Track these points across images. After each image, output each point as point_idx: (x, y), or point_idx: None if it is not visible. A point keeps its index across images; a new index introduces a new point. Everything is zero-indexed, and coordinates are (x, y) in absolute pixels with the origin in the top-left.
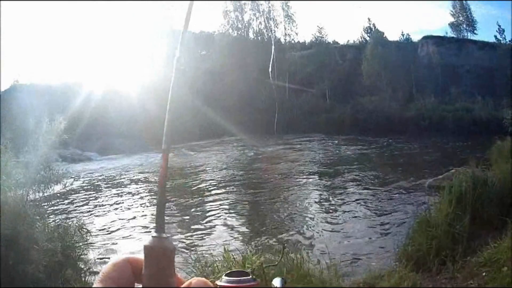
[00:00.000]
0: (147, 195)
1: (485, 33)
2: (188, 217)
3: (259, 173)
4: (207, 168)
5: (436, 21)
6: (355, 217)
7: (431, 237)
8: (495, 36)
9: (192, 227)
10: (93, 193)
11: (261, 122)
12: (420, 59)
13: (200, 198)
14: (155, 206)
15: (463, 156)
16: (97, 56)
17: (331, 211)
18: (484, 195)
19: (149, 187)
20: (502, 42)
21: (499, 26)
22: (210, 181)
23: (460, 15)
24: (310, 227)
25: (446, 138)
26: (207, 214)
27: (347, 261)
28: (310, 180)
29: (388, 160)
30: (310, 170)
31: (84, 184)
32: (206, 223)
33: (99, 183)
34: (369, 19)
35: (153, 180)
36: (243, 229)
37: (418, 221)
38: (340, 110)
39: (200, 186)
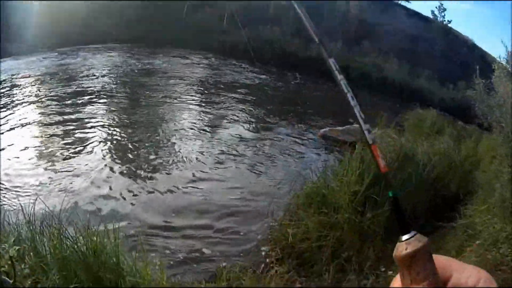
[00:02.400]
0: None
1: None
2: None
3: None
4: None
5: None
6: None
7: (326, 224)
8: (432, 12)
9: None
10: None
11: (155, 36)
12: (337, 6)
13: None
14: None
15: (369, 112)
16: None
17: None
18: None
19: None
20: (439, 19)
21: (441, 4)
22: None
23: None
24: None
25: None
26: None
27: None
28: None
29: (281, 98)
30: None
31: None
32: None
33: None
34: None
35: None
36: None
37: (305, 192)
38: (236, 35)
39: None
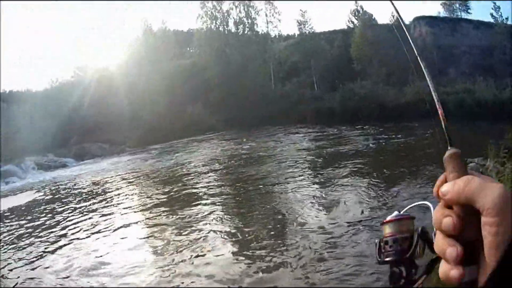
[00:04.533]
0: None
1: (479, 12)
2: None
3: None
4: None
5: (427, 5)
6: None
7: None
8: (491, 14)
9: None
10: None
11: (247, 115)
12: (414, 41)
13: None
14: None
15: (476, 142)
16: (76, 60)
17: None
18: None
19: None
20: (498, 20)
21: (494, 3)
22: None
23: None
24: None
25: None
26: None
27: None
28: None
29: (387, 152)
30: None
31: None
32: None
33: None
34: (356, 1)
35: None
36: None
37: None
38: (330, 98)
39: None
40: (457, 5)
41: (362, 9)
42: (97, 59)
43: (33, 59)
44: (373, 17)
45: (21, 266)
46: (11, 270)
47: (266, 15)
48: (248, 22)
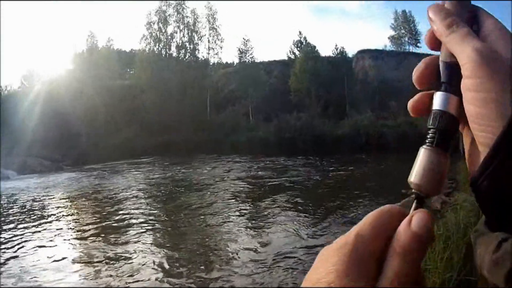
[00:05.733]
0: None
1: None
2: None
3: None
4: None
5: (374, 39)
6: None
7: None
8: None
9: None
10: None
11: (182, 141)
12: (356, 74)
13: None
14: None
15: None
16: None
17: None
18: None
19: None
20: None
21: None
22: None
23: (402, 27)
24: None
25: (389, 157)
26: None
27: None
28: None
29: (324, 184)
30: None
31: None
32: None
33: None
34: (300, 33)
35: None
36: None
37: None
38: (264, 129)
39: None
40: (406, 39)
41: (306, 40)
42: (42, 69)
43: None
44: (316, 49)
45: None
46: None
47: (209, 41)
48: (190, 48)
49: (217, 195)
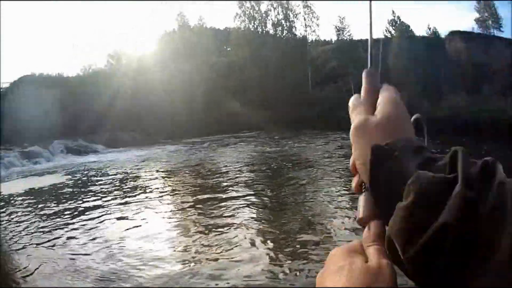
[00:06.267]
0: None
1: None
2: None
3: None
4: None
5: (461, 19)
6: None
7: None
8: None
9: None
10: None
11: (284, 117)
12: (449, 55)
13: None
14: None
15: None
16: (112, 48)
17: None
18: None
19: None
20: None
21: None
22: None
23: (485, 10)
24: None
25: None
26: None
27: None
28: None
29: None
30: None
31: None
32: None
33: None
34: (393, 12)
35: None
36: None
37: None
38: None
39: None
40: (490, 22)
41: (400, 19)
42: (130, 48)
43: (64, 44)
44: (409, 28)
45: (40, 247)
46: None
47: (305, 19)
48: (286, 25)
49: (324, 172)
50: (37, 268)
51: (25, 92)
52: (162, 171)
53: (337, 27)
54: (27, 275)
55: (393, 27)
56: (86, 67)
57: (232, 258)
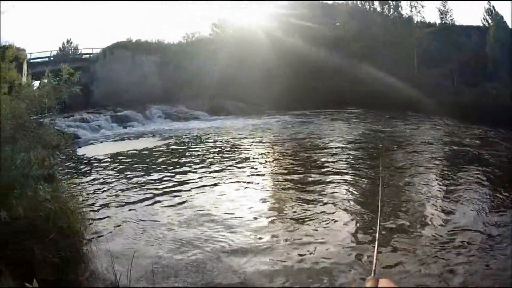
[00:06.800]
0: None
1: None
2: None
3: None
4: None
5: None
6: None
7: None
8: None
9: None
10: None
11: (389, 96)
12: None
13: None
14: None
15: None
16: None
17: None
18: None
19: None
20: None
21: None
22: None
23: None
24: None
25: None
26: None
27: None
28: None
29: None
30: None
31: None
32: None
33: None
34: (488, 1)
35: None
36: None
37: None
38: (467, 94)
39: None
40: None
41: (494, 9)
42: (236, 18)
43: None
44: (503, 19)
45: (128, 207)
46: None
47: None
48: (393, 4)
49: (424, 156)
50: (117, 227)
51: (119, 58)
52: (267, 142)
53: (440, 10)
54: (102, 235)
55: (490, 16)
56: (189, 35)
57: (318, 238)
